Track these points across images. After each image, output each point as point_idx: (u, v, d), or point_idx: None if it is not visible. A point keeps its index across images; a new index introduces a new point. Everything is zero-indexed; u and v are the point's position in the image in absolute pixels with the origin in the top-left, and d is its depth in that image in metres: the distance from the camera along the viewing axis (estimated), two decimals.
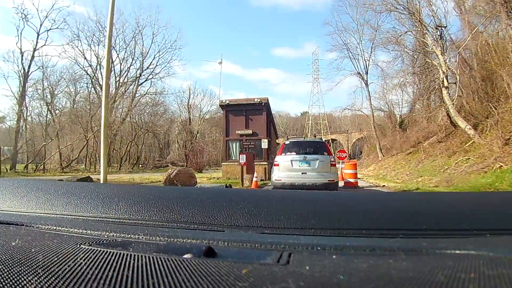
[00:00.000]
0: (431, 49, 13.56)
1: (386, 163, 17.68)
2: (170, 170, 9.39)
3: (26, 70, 23.61)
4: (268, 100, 14.96)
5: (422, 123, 17.17)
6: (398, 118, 23.33)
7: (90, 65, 30.08)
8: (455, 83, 12.45)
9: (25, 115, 24.57)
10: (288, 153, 6.95)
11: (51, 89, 25.93)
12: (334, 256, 0.38)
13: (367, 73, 24.98)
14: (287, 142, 7.47)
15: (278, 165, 6.85)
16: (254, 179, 9.47)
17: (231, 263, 0.35)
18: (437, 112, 14.89)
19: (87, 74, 29.56)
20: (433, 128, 15.23)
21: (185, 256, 0.37)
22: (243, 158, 11.03)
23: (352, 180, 9.09)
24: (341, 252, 0.40)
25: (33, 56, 23.85)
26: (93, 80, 29.91)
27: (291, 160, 6.74)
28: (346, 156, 12.48)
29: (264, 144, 14.07)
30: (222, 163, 15.21)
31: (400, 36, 16.10)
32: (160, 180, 9.70)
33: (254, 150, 14.22)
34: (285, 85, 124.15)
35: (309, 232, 0.55)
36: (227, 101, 15.28)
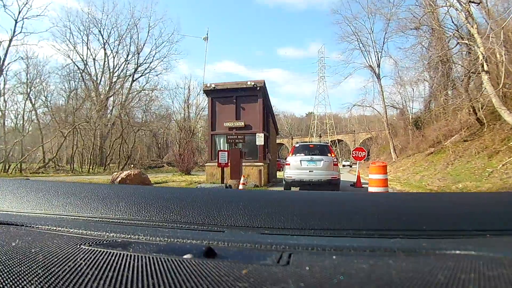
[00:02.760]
0: (464, 27, 11.29)
1: (402, 165, 16.03)
2: (116, 173, 8.04)
3: (1, 62, 21.51)
4: (264, 84, 11.60)
5: (441, 121, 15.63)
6: (410, 116, 21.86)
7: (83, 59, 29.29)
8: (487, 71, 9.98)
9: (1, 109, 22.61)
10: (298, 154, 8.08)
11: (31, 82, 23.66)
12: (334, 257, 0.38)
13: (379, 66, 23.30)
14: (296, 145, 8.71)
15: (289, 164, 7.98)
16: (240, 186, 7.76)
17: (231, 264, 0.35)
18: (462, 106, 12.50)
19: (75, 64, 28.30)
20: (454, 126, 13.57)
21: (185, 256, 0.38)
22: (223, 157, 8.60)
23: (380, 189, 6.18)
24: (341, 253, 0.40)
25: (9, 46, 21.79)
26: (82, 74, 28.99)
27: (300, 160, 7.85)
28: (365, 156, 10.26)
29: (260, 139, 10.95)
30: (206, 164, 12.10)
31: (425, 14, 13.48)
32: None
33: (247, 147, 11.26)
34: (290, 86, 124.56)
35: (309, 233, 0.55)
36: (213, 85, 11.92)
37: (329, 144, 9.68)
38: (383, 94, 22.80)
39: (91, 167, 26.02)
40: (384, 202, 0.79)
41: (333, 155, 8.14)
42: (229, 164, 8.78)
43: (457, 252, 0.38)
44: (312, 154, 8.00)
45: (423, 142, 16.55)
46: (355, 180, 9.67)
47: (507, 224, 0.56)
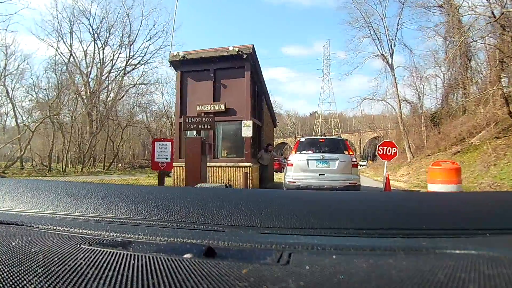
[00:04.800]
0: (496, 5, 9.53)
1: (422, 166, 13.73)
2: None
3: None
4: (254, 50, 8.05)
5: (461, 116, 14.32)
6: (423, 112, 20.11)
7: (70, 50, 28.05)
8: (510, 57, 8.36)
9: None
10: (304, 152, 6.14)
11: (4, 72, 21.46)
12: (334, 256, 0.38)
13: (392, 55, 20.89)
14: (302, 140, 6.70)
15: (292, 165, 6.02)
16: None
17: (231, 263, 0.35)
18: (496, 98, 10.62)
19: (60, 55, 26.80)
20: (479, 121, 12.07)
21: (185, 256, 0.38)
22: (163, 152, 5.48)
23: None
24: (341, 252, 0.40)
25: None
26: (67, 65, 27.58)
27: (307, 160, 5.94)
28: (396, 153, 7.27)
29: (247, 129, 7.75)
30: (174, 163, 7.83)
31: None
32: None
33: (229, 140, 8.52)
34: (294, 84, 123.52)
35: (309, 232, 0.55)
36: (182, 54, 8.42)
37: (345, 139, 7.35)
38: (396, 86, 20.06)
39: (68, 166, 23.92)
40: (384, 201, 0.79)
41: (351, 153, 6.15)
42: (173, 165, 5.49)
43: (457, 251, 0.38)
44: (324, 152, 5.98)
45: (443, 140, 15.13)
46: (382, 187, 7.13)
47: (507, 224, 0.56)
